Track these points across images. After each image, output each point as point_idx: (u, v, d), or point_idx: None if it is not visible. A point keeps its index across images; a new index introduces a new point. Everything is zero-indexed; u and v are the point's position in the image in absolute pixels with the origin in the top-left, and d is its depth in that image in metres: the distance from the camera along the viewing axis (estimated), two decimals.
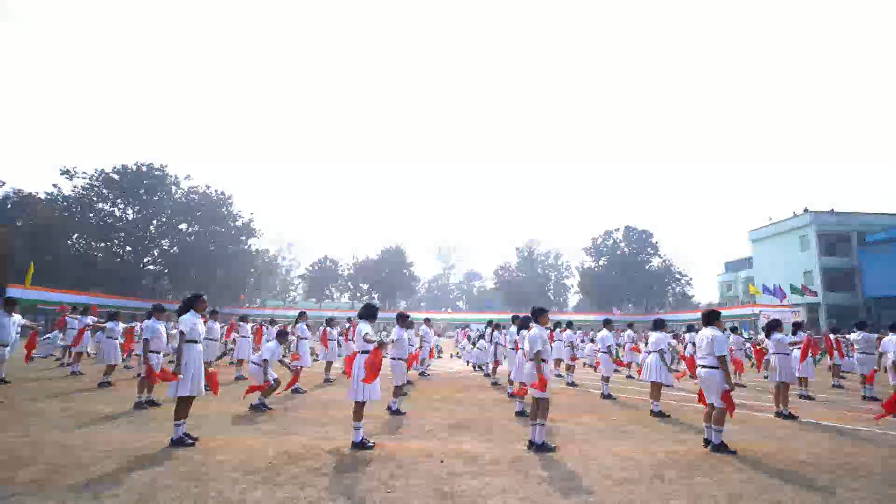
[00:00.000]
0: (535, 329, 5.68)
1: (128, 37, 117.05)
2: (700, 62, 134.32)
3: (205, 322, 9.92)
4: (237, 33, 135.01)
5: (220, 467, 4.56)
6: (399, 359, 7.90)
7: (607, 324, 10.84)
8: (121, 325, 11.00)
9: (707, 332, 5.83)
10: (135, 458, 4.79)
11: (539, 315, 5.92)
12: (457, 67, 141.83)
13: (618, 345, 15.30)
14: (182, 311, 5.66)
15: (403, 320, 8.23)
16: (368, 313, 5.98)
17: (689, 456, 5.29)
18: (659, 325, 8.45)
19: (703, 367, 5.76)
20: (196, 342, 5.54)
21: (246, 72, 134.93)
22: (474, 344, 15.55)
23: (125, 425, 6.36)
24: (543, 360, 5.52)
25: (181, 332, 5.47)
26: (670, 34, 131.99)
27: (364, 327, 5.74)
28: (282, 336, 8.51)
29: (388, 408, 7.60)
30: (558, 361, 13.21)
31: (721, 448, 5.46)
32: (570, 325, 13.89)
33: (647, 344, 9.27)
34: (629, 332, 14.88)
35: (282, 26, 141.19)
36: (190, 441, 5.33)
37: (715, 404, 5.57)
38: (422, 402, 8.92)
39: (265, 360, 7.77)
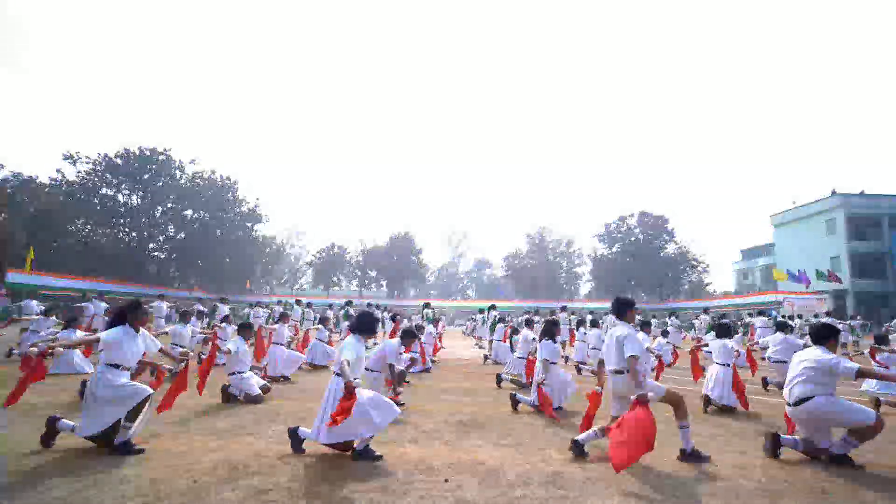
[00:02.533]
0: (623, 328, 4.08)
1: (134, 20, 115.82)
2: (717, 42, 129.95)
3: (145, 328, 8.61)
4: (245, 19, 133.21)
5: (115, 489, 3.09)
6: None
7: (645, 326, 9.07)
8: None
9: (814, 354, 4.01)
10: (9, 472, 3.34)
11: (626, 309, 4.27)
12: (466, 53, 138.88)
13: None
14: (111, 323, 4.28)
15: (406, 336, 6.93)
16: (363, 327, 4.32)
17: (801, 473, 3.72)
18: (725, 332, 6.68)
19: (800, 401, 3.89)
20: (119, 367, 4.05)
21: (252, 58, 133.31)
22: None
23: (42, 421, 4.92)
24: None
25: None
26: (684, 15, 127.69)
27: (350, 348, 4.00)
28: (245, 329, 6.99)
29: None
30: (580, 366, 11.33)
31: (840, 459, 3.89)
32: (595, 323, 12.26)
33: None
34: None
35: (291, 13, 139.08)
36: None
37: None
38: (423, 392, 7.41)
39: (228, 352, 6.29)
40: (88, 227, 50.71)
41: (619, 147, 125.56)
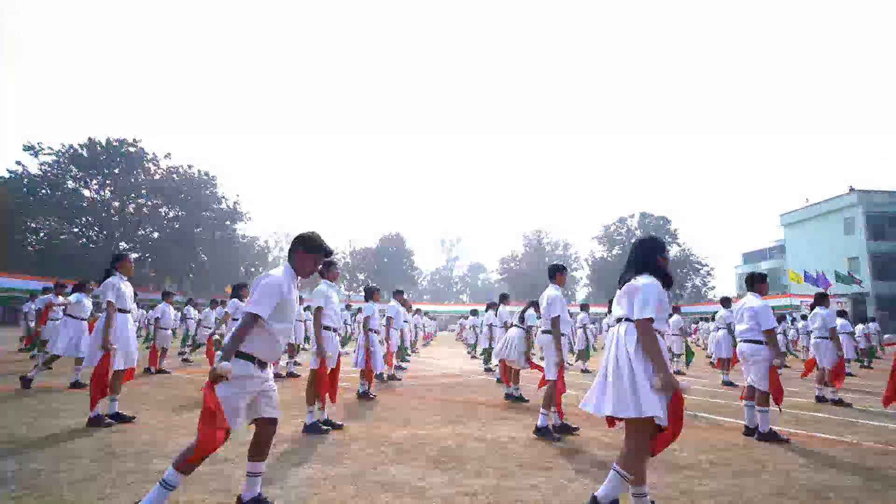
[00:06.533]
0: (550, 289, 4.35)
1: (101, 3, 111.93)
2: (719, 33, 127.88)
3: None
4: (226, 6, 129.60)
5: None
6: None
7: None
8: None
9: None
10: None
11: (556, 273, 4.57)
12: (461, 49, 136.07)
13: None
14: (106, 275, 4.58)
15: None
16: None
17: None
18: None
19: None
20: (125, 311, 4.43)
21: (235, 52, 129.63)
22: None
23: None
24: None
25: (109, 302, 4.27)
26: (684, 8, 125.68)
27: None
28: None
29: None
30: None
31: None
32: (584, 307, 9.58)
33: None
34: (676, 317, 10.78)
35: (278, 4, 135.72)
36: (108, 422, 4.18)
37: None
38: (355, 451, 3.88)
39: None
40: (52, 223, 46.80)
41: (620, 146, 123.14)
